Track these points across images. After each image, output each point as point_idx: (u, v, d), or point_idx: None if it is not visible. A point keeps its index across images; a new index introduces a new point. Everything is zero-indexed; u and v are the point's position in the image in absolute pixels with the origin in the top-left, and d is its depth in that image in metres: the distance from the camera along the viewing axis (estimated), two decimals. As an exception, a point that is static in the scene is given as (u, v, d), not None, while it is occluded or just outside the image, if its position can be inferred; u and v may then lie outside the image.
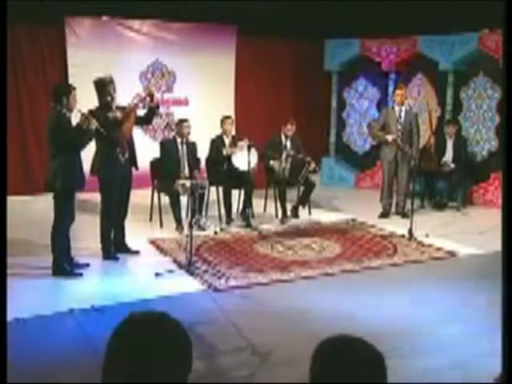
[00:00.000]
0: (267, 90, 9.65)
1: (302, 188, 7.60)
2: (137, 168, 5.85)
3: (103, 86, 5.52)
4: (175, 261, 5.71)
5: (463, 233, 6.86)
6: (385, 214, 7.72)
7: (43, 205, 6.27)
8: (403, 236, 6.65)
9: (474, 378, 3.39)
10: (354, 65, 9.83)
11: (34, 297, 4.72)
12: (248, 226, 6.97)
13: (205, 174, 7.50)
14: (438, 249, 6.26)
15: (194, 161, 7.11)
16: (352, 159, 10.16)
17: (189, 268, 5.39)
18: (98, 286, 5.19)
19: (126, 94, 6.66)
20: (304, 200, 7.59)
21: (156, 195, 7.13)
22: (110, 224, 5.71)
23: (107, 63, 7.87)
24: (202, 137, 7.43)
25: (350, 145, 10.22)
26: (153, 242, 6.32)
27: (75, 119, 5.22)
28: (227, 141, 7.37)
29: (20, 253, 5.65)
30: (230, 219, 7.18)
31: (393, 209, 7.81)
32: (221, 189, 7.29)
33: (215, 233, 6.71)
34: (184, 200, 7.07)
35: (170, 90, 9.00)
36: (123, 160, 5.62)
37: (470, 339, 4.06)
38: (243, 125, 8.88)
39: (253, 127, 8.90)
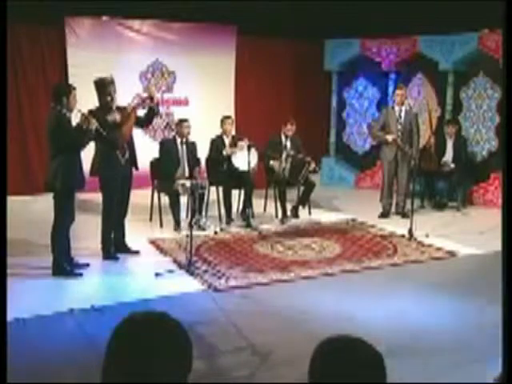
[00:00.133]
0: (267, 89, 9.65)
1: (302, 188, 7.60)
2: (137, 168, 5.85)
3: (103, 87, 5.52)
4: (175, 261, 5.71)
5: (463, 233, 6.86)
6: (385, 214, 7.72)
7: (43, 205, 6.27)
8: (403, 236, 6.65)
9: (474, 377, 3.39)
10: (354, 65, 9.84)
11: (34, 297, 4.72)
12: (248, 226, 6.97)
13: (205, 174, 7.49)
14: (438, 249, 6.26)
15: (193, 161, 7.11)
16: (352, 159, 10.16)
17: (189, 268, 5.39)
18: (98, 286, 5.19)
19: (126, 94, 6.63)
20: (304, 200, 7.59)
21: (156, 195, 7.13)
22: (110, 224, 5.72)
23: (107, 63, 7.87)
24: (201, 137, 7.43)
25: (350, 145, 10.22)
26: (153, 242, 6.32)
27: (75, 119, 5.22)
28: (227, 141, 7.37)
29: (20, 253, 5.65)
30: (230, 219, 7.18)
31: (393, 209, 7.81)
32: (221, 189, 7.29)
33: (215, 233, 6.71)
34: (184, 200, 7.08)
35: (170, 90, 9.00)
36: (123, 160, 5.62)
37: (470, 339, 4.06)
38: (243, 125, 8.88)
39: (253, 127, 8.90)
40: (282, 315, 4.46)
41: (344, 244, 6.43)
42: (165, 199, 6.94)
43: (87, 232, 6.11)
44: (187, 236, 5.54)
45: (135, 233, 6.32)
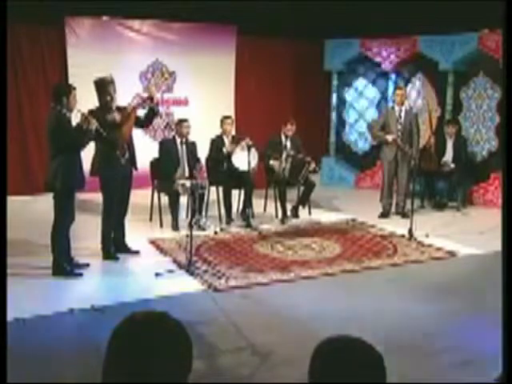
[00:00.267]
0: (267, 90, 9.65)
1: (302, 188, 7.60)
2: (136, 168, 5.85)
3: (103, 86, 5.52)
4: (175, 261, 5.70)
5: (463, 233, 6.87)
6: (385, 214, 7.72)
7: (43, 205, 6.27)
8: (403, 236, 6.65)
9: (474, 377, 3.39)
10: (353, 65, 9.84)
11: (33, 297, 4.72)
12: (248, 226, 6.97)
13: (205, 174, 7.49)
14: (438, 249, 6.26)
15: (193, 161, 7.11)
16: (352, 159, 10.16)
17: (189, 268, 5.39)
18: (98, 286, 5.19)
19: (125, 93, 6.65)
20: (304, 200, 7.58)
21: (156, 195, 7.13)
22: (110, 224, 5.72)
23: (107, 63, 7.87)
24: (201, 137, 7.43)
25: (350, 145, 10.23)
26: (153, 242, 6.32)
27: (75, 119, 5.22)
28: (227, 141, 7.37)
29: (20, 253, 5.65)
30: (230, 219, 7.18)
31: (393, 209, 7.81)
32: (221, 189, 7.29)
33: (215, 233, 6.71)
34: (184, 200, 7.09)
35: (170, 90, 9.00)
36: (123, 160, 5.61)
37: (469, 339, 4.06)
38: (243, 125, 8.88)
39: (253, 127, 8.90)
40: (282, 315, 4.46)
41: (344, 244, 6.43)
42: (165, 199, 6.95)
43: (87, 232, 6.11)
44: (187, 236, 5.54)
45: (135, 233, 6.32)
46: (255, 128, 8.84)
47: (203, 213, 7.03)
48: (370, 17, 8.83)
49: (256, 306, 4.67)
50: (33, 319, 4.23)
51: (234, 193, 7.35)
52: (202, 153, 7.35)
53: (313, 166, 7.38)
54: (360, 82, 9.95)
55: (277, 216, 7.49)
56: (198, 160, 7.20)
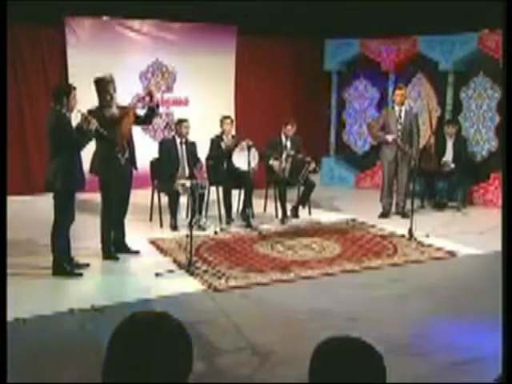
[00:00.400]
0: (267, 90, 9.65)
1: (302, 188, 7.60)
2: (136, 168, 5.84)
3: (103, 85, 5.52)
4: (175, 261, 5.70)
5: (463, 233, 6.86)
6: (385, 214, 7.72)
7: (43, 205, 6.27)
8: (403, 236, 6.65)
9: (473, 377, 3.39)
10: (353, 65, 9.84)
11: (33, 297, 4.72)
12: (248, 226, 6.97)
13: (205, 174, 7.49)
14: (438, 249, 6.26)
15: (193, 161, 7.12)
16: (352, 159, 10.16)
17: (189, 268, 5.39)
18: (98, 286, 5.19)
19: (125, 94, 6.66)
20: (304, 200, 7.58)
21: (156, 195, 7.13)
22: (109, 224, 5.71)
23: (107, 63, 7.86)
24: (201, 137, 7.42)
25: (350, 145, 10.23)
26: (153, 242, 6.32)
27: (75, 119, 5.22)
28: (227, 141, 7.37)
29: (20, 253, 5.65)
30: (230, 219, 7.18)
31: (393, 209, 7.81)
32: (221, 189, 7.29)
33: (215, 233, 6.71)
34: (184, 200, 7.09)
35: (170, 90, 9.01)
36: (123, 160, 5.61)
37: (470, 339, 4.06)
38: (243, 125, 8.88)
39: (253, 127, 8.90)
40: (282, 315, 4.46)
41: (344, 244, 6.43)
42: (165, 199, 6.95)
43: (87, 232, 6.11)
44: (187, 236, 5.54)
45: (135, 233, 6.32)
46: (255, 128, 8.85)
47: (203, 213, 7.03)
48: (369, 17, 8.83)
49: (256, 306, 4.67)
50: (33, 319, 4.23)
51: (234, 193, 7.35)
52: (202, 153, 7.35)
53: (313, 166, 7.38)
54: (360, 82, 9.95)
55: (277, 216, 7.49)
56: (198, 160, 7.20)
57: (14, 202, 6.87)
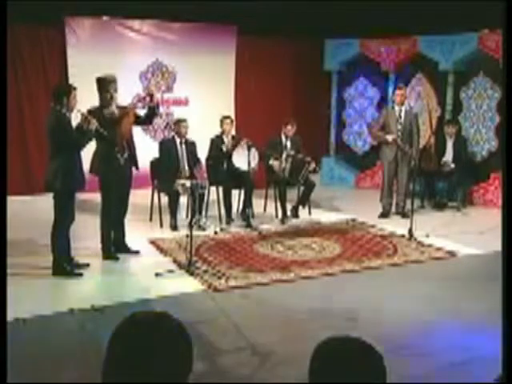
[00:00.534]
0: (267, 90, 9.65)
1: (302, 188, 7.60)
2: (137, 168, 5.85)
3: (104, 85, 5.51)
4: (175, 261, 5.70)
5: (463, 233, 6.86)
6: (385, 214, 7.72)
7: (43, 205, 6.27)
8: (403, 236, 6.65)
9: (473, 377, 3.39)
10: (353, 65, 9.84)
11: (33, 297, 4.72)
12: (248, 226, 6.97)
13: (205, 174, 7.49)
14: (438, 249, 6.26)
15: (193, 160, 7.12)
16: (352, 159, 10.16)
17: (189, 268, 5.39)
18: (98, 286, 5.19)
19: (126, 94, 6.66)
20: (304, 200, 7.58)
21: (156, 195, 7.14)
22: (109, 224, 5.71)
23: (107, 63, 7.86)
24: (201, 137, 7.43)
25: (350, 145, 10.23)
26: (153, 242, 6.32)
27: (75, 119, 5.22)
28: (227, 140, 7.37)
29: (20, 253, 5.65)
30: (230, 219, 7.18)
31: (393, 209, 7.81)
32: (221, 189, 7.29)
33: (215, 233, 6.71)
34: (184, 200, 7.09)
35: (170, 90, 9.01)
36: (122, 160, 5.61)
37: (470, 339, 4.06)
38: (243, 125, 8.88)
39: (253, 127, 8.90)
40: (282, 315, 4.46)
41: (344, 244, 6.43)
42: (165, 199, 6.95)
43: (87, 232, 6.11)
44: (187, 236, 5.54)
45: (135, 233, 6.32)
46: (255, 128, 8.85)
47: (203, 213, 7.03)
48: (369, 17, 8.83)
49: (256, 306, 4.67)
50: (33, 319, 4.23)
51: (234, 193, 7.35)
52: (202, 153, 7.35)
53: (313, 166, 7.38)
54: (360, 82, 9.95)
55: (277, 216, 7.49)
56: (198, 160, 7.20)
57: (13, 202, 6.87)
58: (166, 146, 7.05)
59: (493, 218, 7.18)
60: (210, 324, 4.27)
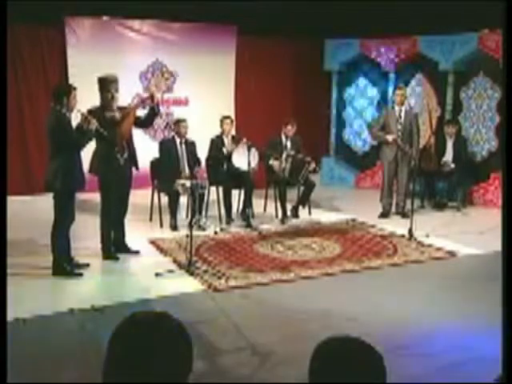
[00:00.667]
0: (267, 90, 9.65)
1: (302, 188, 7.60)
2: (137, 168, 5.85)
3: (105, 84, 5.51)
4: (175, 261, 5.70)
5: (463, 233, 6.86)
6: (385, 214, 7.72)
7: (43, 205, 6.27)
8: (403, 236, 6.65)
9: (473, 377, 3.39)
10: (353, 65, 9.84)
11: (33, 297, 4.72)
12: (248, 226, 6.97)
13: (205, 174, 7.50)
14: (438, 249, 6.26)
15: (193, 160, 7.12)
16: (352, 159, 10.16)
17: (189, 268, 5.39)
18: (98, 286, 5.19)
19: (126, 94, 6.66)
20: (304, 200, 7.58)
21: (156, 195, 7.14)
22: (109, 224, 5.71)
23: (107, 63, 7.86)
24: (201, 137, 7.43)
25: (349, 145, 10.23)
26: (153, 242, 6.32)
27: (75, 119, 5.22)
28: (227, 141, 7.38)
29: (20, 253, 5.65)
30: (230, 219, 7.18)
31: (393, 209, 7.81)
32: (221, 189, 7.29)
33: (215, 233, 6.71)
34: (184, 200, 7.08)
35: (170, 90, 9.01)
36: (122, 160, 5.61)
37: (470, 339, 4.06)
38: (243, 125, 8.89)
39: (253, 127, 8.90)
40: (282, 315, 4.46)
41: (344, 244, 6.43)
42: (165, 199, 6.95)
43: (87, 232, 6.11)
44: (187, 236, 5.54)
45: (135, 233, 6.32)
46: (255, 128, 8.85)
47: (203, 213, 7.03)
48: (369, 17, 8.83)
49: (256, 306, 4.67)
50: (33, 319, 4.23)
51: (234, 193, 7.35)
52: (202, 153, 7.35)
53: (313, 166, 7.38)
54: (360, 82, 9.95)
55: (277, 216, 7.49)
56: (197, 160, 7.20)
57: (13, 202, 6.87)
58: (166, 146, 7.05)
59: (493, 217, 7.18)
60: (210, 324, 4.27)
